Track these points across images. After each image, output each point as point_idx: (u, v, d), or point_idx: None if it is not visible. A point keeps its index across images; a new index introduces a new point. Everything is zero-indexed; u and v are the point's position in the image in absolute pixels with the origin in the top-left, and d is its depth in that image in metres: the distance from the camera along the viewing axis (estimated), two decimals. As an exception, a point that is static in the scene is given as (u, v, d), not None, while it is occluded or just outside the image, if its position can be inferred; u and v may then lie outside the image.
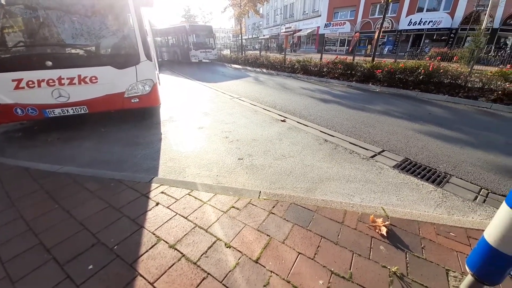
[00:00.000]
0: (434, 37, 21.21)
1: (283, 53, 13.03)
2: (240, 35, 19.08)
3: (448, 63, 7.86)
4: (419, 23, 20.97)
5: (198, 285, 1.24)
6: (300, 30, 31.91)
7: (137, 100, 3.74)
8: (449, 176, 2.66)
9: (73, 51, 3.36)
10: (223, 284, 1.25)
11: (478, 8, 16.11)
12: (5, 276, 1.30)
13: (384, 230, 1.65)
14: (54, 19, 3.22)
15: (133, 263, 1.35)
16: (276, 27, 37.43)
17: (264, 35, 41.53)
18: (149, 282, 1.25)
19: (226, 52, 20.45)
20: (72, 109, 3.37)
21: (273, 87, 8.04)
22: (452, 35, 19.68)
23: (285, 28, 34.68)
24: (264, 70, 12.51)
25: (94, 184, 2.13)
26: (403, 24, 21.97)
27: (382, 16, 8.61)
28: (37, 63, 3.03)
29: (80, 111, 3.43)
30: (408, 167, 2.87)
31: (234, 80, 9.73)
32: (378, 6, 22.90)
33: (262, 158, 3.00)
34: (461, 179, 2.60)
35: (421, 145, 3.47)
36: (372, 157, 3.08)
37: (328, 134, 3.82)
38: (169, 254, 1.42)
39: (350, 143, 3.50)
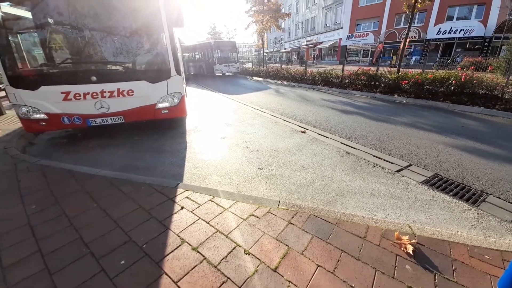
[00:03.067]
0: (467, 46, 19.97)
1: (304, 65, 13.15)
2: (261, 49, 19.70)
3: (483, 73, 7.33)
4: (449, 32, 19.99)
5: (218, 289, 1.29)
6: (322, 42, 32.07)
7: (167, 111, 4.03)
8: (485, 194, 2.45)
9: (114, 67, 3.78)
10: (242, 290, 1.28)
11: (511, 17, 15.01)
12: (44, 268, 1.45)
13: (410, 249, 1.57)
14: (98, 39, 3.67)
15: (159, 262, 1.45)
16: (297, 40, 38.04)
17: (285, 48, 42.36)
18: (173, 281, 1.33)
19: (248, 65, 21.18)
20: (111, 118, 3.74)
21: (293, 99, 8.12)
22: (486, 44, 18.40)
23: (306, 41, 35.09)
24: (285, 82, 12.69)
25: (128, 187, 2.32)
26: (432, 33, 21.07)
27: (407, 26, 8.40)
28: (83, 78, 3.45)
29: (118, 120, 3.79)
30: (439, 183, 2.69)
31: (255, 92, 10.00)
32: (403, 16, 22.34)
33: (282, 169, 3.03)
34: (499, 198, 2.38)
35: (453, 160, 3.24)
36: (397, 171, 2.95)
37: (350, 146, 3.74)
38: (192, 256, 1.50)
39: (373, 156, 3.40)
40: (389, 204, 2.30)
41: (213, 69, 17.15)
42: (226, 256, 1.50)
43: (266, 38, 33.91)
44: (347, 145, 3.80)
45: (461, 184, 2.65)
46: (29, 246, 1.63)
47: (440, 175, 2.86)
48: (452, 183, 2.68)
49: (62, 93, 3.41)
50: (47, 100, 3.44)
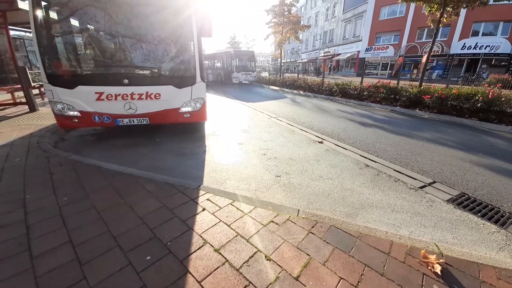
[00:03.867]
0: (493, 63, 19.16)
1: (321, 76, 13.15)
2: (279, 59, 20.00)
3: (510, 91, 6.97)
4: (474, 47, 19.32)
5: (240, 292, 1.30)
6: (339, 54, 32.01)
7: (189, 115, 4.19)
8: (517, 217, 2.31)
9: (144, 72, 4.01)
10: (264, 295, 1.29)
11: None
12: (74, 258, 1.53)
13: (438, 268, 1.51)
14: (131, 46, 3.93)
15: (183, 260, 1.49)
16: (315, 51, 38.26)
17: (302, 59, 42.67)
18: (197, 281, 1.35)
19: (265, 74, 21.50)
20: (137, 119, 3.93)
21: (310, 109, 8.11)
22: (513, 61, 17.55)
23: (324, 53, 35.19)
24: (301, 92, 12.73)
25: (152, 185, 2.41)
26: (456, 48, 20.45)
27: (430, 40, 8.24)
28: (116, 80, 3.68)
29: (143, 122, 3.98)
30: (466, 202, 2.57)
31: (271, 100, 10.10)
32: (425, 30, 21.92)
33: (300, 177, 3.02)
34: (533, 222, 2.22)
35: (481, 180, 3.08)
36: (421, 187, 2.85)
37: (369, 159, 3.66)
38: (214, 257, 1.52)
39: (394, 170, 3.30)
40: (413, 221, 2.22)
41: (231, 76, 17.58)
42: (248, 260, 1.51)
43: (284, 48, 34.48)
44: (367, 158, 3.72)
45: (489, 205, 2.51)
46: (60, 236, 1.73)
47: (467, 194, 2.72)
48: (480, 203, 2.55)
49: (96, 93, 3.65)
50: (82, 99, 3.69)
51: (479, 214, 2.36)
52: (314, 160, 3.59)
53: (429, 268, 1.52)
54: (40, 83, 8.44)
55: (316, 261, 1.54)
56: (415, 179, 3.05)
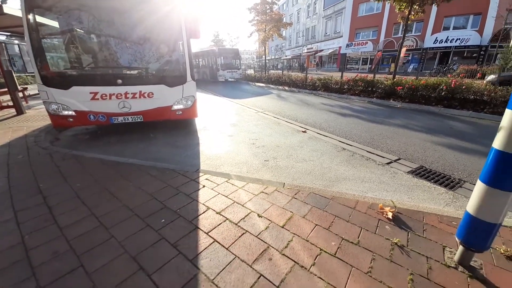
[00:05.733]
0: (464, 55, 20.64)
1: (305, 72, 13.69)
2: (263, 56, 20.38)
3: (472, 80, 7.80)
4: (446, 41, 20.71)
5: (239, 237, 1.68)
6: (322, 50, 32.92)
7: (181, 112, 4.47)
8: (462, 182, 2.84)
9: (137, 72, 4.24)
10: (257, 237, 1.67)
11: (506, 26, 15.68)
12: (99, 225, 1.84)
13: (390, 215, 1.96)
14: (124, 47, 4.14)
15: (192, 220, 1.85)
16: (298, 48, 39.01)
17: (286, 56, 43.35)
18: (205, 232, 1.72)
19: (250, 71, 21.82)
20: (132, 117, 4.17)
21: (294, 103, 8.58)
22: (482, 52, 19.03)
23: (307, 49, 36.01)
24: (286, 88, 13.20)
25: (154, 171, 2.72)
26: (429, 42, 21.80)
27: (406, 35, 8.93)
28: (110, 80, 3.89)
29: (137, 119, 4.22)
30: (423, 173, 3.08)
31: (258, 96, 10.48)
32: (401, 25, 23.12)
33: (285, 161, 3.43)
34: (475, 184, 2.76)
35: (438, 155, 3.64)
36: (387, 163, 3.35)
37: (346, 144, 4.15)
38: (217, 217, 1.89)
39: (367, 151, 3.80)
40: (378, 188, 2.69)
41: (217, 75, 17.77)
42: (244, 218, 1.89)
43: (268, 45, 34.89)
44: (344, 143, 4.20)
45: (442, 174, 3.04)
46: (82, 212, 2.02)
47: (425, 167, 3.25)
48: (435, 173, 3.07)
49: (91, 93, 3.85)
50: (77, 99, 3.87)
51: (432, 181, 2.88)
52: (298, 147, 4.02)
53: (384, 215, 1.98)
54: (24, 87, 8.31)
55: (297, 215, 1.95)
56: (384, 157, 3.56)
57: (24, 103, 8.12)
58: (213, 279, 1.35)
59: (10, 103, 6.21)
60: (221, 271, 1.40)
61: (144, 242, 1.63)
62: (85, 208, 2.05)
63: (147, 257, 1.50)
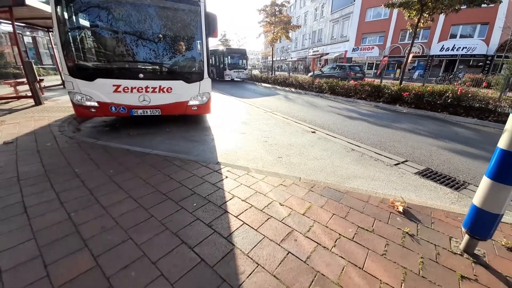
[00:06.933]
0: (470, 63, 20.75)
1: (312, 74, 13.86)
2: (270, 57, 20.58)
3: (478, 89, 7.96)
4: (452, 49, 20.82)
5: (265, 221, 1.87)
6: (328, 53, 33.07)
7: (196, 108, 4.68)
8: (467, 184, 3.01)
9: (158, 68, 4.45)
10: (282, 222, 1.86)
11: None
12: (138, 206, 2.03)
13: (401, 208, 2.14)
14: (148, 44, 4.32)
15: (221, 205, 2.04)
16: (304, 50, 39.18)
17: (291, 58, 43.54)
18: (234, 216, 1.91)
19: (256, 72, 22.03)
20: (150, 110, 4.38)
21: (302, 104, 8.76)
22: (488, 61, 19.14)
23: (313, 52, 36.17)
24: (293, 89, 13.39)
25: (179, 162, 2.92)
26: (435, 50, 21.92)
27: (411, 42, 9.10)
28: (133, 74, 4.10)
29: (155, 113, 4.42)
30: (429, 174, 3.26)
31: (265, 96, 10.68)
32: (408, 32, 23.26)
33: (298, 158, 3.62)
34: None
35: (444, 158, 3.81)
36: (395, 164, 3.52)
37: (355, 145, 4.33)
38: (243, 204, 2.08)
39: (375, 153, 3.98)
40: (387, 186, 2.87)
41: (223, 74, 17.98)
42: (267, 205, 2.08)
43: (275, 47, 35.13)
44: (353, 144, 4.38)
45: (447, 176, 3.21)
46: (120, 194, 2.21)
47: (431, 169, 3.43)
48: (440, 175, 3.25)
49: (114, 85, 4.05)
50: (100, 91, 4.07)
51: (438, 182, 3.05)
52: (309, 146, 4.20)
53: (395, 209, 2.16)
54: (41, 78, 8.55)
55: (315, 206, 2.13)
56: (392, 159, 3.73)
57: (40, 94, 8.39)
58: (248, 253, 1.54)
59: (28, 94, 6.44)
60: (253, 248, 1.59)
61: (182, 221, 1.82)
62: (122, 192, 2.25)
63: (186, 234, 1.69)
